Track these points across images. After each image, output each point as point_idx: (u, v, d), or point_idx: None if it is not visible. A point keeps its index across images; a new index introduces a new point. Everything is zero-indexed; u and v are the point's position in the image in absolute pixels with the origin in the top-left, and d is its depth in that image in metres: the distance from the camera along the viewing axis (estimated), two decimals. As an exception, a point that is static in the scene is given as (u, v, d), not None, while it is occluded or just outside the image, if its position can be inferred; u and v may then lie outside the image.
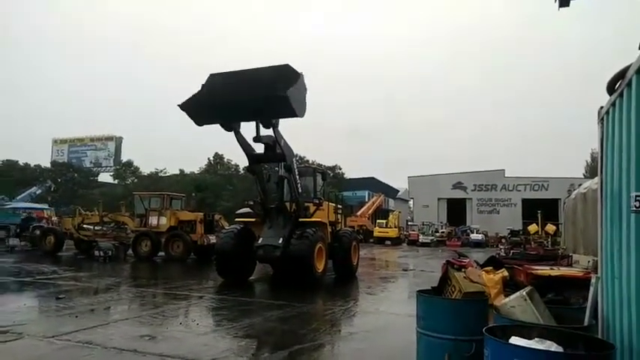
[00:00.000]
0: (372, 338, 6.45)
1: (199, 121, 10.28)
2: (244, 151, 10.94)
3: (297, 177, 11.74)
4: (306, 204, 12.11)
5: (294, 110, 9.20)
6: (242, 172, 46.68)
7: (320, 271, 11.28)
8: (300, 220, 11.60)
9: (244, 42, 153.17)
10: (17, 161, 55.92)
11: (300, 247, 10.70)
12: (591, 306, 3.60)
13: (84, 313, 7.43)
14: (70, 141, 64.10)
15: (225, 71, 10.18)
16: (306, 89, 9.84)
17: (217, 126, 10.44)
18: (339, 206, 15.18)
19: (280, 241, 11.02)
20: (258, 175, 11.51)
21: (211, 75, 10.20)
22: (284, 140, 10.80)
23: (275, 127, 10.37)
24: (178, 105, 9.78)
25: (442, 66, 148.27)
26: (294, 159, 11.92)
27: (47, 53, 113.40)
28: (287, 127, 10.82)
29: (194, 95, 9.86)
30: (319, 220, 12.16)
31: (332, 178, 47.12)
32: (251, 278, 12.25)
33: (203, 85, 10.11)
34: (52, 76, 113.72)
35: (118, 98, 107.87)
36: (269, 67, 9.67)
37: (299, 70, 9.55)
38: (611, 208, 3.52)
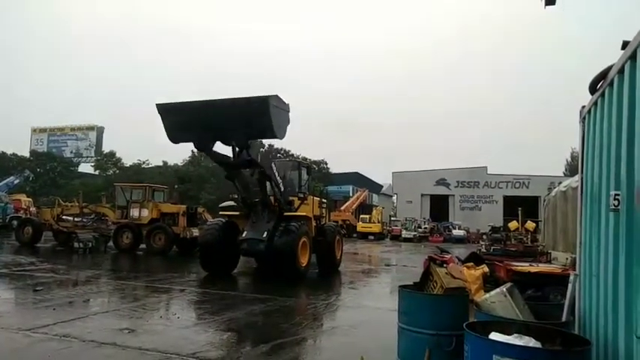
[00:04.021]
0: (353, 333, 6.48)
1: (174, 135, 10.03)
2: (219, 163, 10.86)
3: (278, 178, 11.65)
4: (290, 198, 12.08)
5: (272, 122, 9.03)
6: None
7: (304, 265, 11.28)
8: (285, 214, 11.57)
9: (234, 40, 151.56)
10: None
11: (284, 241, 10.68)
12: (569, 303, 3.66)
13: (62, 305, 7.30)
14: (50, 130, 62.53)
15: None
16: (288, 120, 9.99)
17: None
18: (324, 201, 15.18)
19: (264, 235, 10.97)
20: (237, 178, 11.26)
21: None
22: (259, 156, 10.73)
23: (248, 148, 10.20)
24: (157, 105, 9.60)
25: (429, 64, 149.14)
26: (272, 164, 11.83)
27: (25, 40, 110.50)
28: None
29: (177, 102, 9.73)
30: (304, 214, 12.13)
31: (317, 172, 47.08)
32: (234, 272, 12.19)
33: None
34: (30, 64, 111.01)
35: (99, 88, 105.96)
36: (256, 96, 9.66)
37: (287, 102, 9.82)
38: (590, 206, 3.58)
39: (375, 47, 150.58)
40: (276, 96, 9.39)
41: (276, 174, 11.61)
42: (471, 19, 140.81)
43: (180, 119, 9.68)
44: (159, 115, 9.80)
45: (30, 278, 10.13)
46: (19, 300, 8.28)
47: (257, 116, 9.09)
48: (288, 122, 10.05)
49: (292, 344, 5.71)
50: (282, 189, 11.76)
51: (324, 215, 14.67)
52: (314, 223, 13.04)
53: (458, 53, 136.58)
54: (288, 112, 9.93)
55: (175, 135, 10.05)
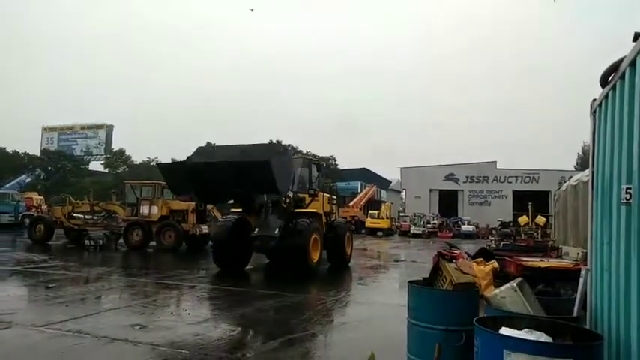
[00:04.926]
0: (363, 328, 6.49)
1: (177, 191, 10.25)
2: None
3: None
4: (301, 195, 12.12)
5: (275, 181, 8.90)
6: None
7: (315, 261, 11.34)
8: (296, 210, 11.63)
9: (239, 39, 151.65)
10: (4, 148, 55.13)
11: (295, 238, 10.73)
12: (580, 297, 3.64)
13: (74, 302, 7.39)
14: (60, 129, 63.17)
15: (213, 145, 10.14)
16: (292, 170, 10.08)
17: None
18: (334, 197, 15.20)
19: (276, 232, 11.00)
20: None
21: (199, 148, 10.21)
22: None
23: (253, 202, 10.38)
24: (158, 165, 9.67)
25: (434, 59, 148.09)
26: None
27: (35, 38, 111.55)
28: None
29: (178, 162, 9.78)
30: (314, 211, 12.19)
31: (326, 169, 47.06)
32: (245, 268, 12.26)
33: (189, 157, 10.03)
34: (40, 62, 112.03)
35: (109, 86, 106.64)
36: (258, 144, 9.87)
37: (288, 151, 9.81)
38: (601, 200, 3.54)
39: (376, 45, 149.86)
40: (278, 150, 9.36)
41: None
42: (474, 16, 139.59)
43: (182, 179, 9.69)
44: (161, 174, 9.91)
45: (43, 275, 10.28)
46: (32, 297, 8.40)
47: (259, 177, 8.94)
48: (292, 172, 10.02)
49: (302, 339, 5.74)
50: (292, 195, 11.80)
51: (334, 212, 14.69)
52: (324, 220, 13.08)
53: (463, 49, 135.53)
54: (291, 161, 9.87)
55: (179, 191, 10.27)
